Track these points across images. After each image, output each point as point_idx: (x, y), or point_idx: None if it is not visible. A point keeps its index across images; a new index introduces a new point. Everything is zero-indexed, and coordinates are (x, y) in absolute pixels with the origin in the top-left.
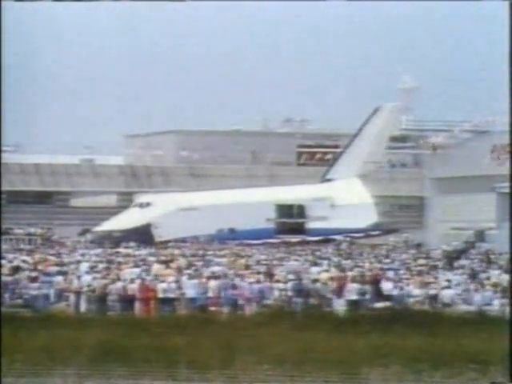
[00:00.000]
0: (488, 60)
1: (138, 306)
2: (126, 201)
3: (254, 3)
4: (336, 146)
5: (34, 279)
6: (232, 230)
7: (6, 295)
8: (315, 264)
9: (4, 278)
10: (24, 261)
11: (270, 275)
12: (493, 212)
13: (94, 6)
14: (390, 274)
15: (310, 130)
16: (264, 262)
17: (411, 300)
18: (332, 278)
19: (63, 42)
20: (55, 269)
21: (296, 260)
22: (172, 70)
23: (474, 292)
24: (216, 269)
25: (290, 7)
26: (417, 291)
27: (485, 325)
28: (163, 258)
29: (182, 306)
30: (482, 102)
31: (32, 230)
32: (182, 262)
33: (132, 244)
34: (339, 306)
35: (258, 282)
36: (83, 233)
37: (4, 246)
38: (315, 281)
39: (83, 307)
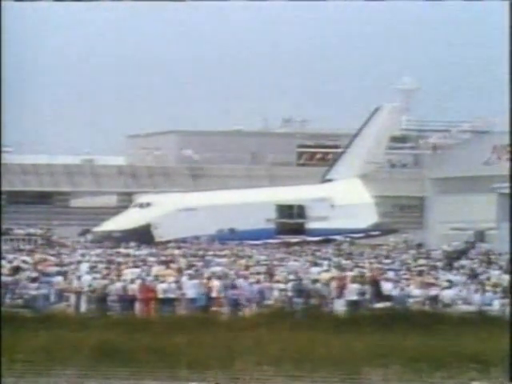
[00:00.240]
0: (488, 60)
1: (138, 306)
2: (126, 201)
3: (254, 3)
4: (336, 147)
5: (34, 279)
6: (232, 231)
7: (6, 295)
8: (315, 264)
9: (4, 278)
10: (24, 261)
11: (270, 275)
12: (493, 212)
13: (94, 6)
14: (390, 274)
15: (310, 130)
16: (264, 263)
17: (411, 300)
18: (332, 279)
19: (63, 41)
20: (55, 269)
21: (296, 260)
22: (172, 70)
23: (474, 292)
24: (216, 269)
25: (290, 7)
26: (417, 291)
27: (485, 325)
28: (163, 259)
29: (182, 306)
30: (482, 102)
31: (32, 230)
32: (182, 262)
33: (132, 244)
34: (339, 306)
35: (258, 282)
36: (83, 233)
37: (4, 247)
38: (315, 281)
39: (83, 307)
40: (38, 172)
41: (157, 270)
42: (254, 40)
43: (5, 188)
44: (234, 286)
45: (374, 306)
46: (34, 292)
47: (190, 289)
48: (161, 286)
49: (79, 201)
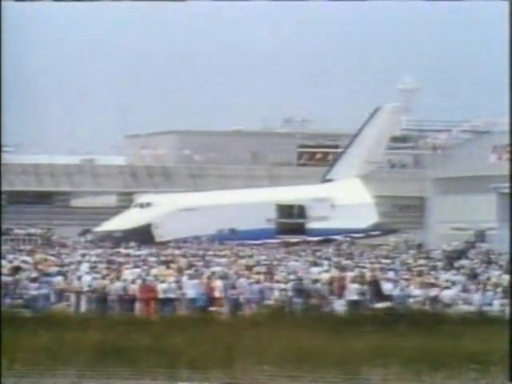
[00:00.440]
0: (488, 60)
1: (138, 306)
2: (126, 201)
3: (254, 3)
4: (336, 147)
5: (34, 279)
6: (232, 231)
7: (6, 295)
8: (315, 264)
9: (4, 278)
10: (24, 261)
11: (270, 275)
12: (493, 212)
13: (94, 6)
14: (391, 274)
15: (310, 130)
16: (264, 263)
17: (411, 300)
18: (332, 279)
19: (63, 41)
20: (55, 269)
21: (296, 260)
22: (172, 69)
23: (474, 292)
24: (216, 269)
25: (290, 7)
26: (417, 291)
27: (485, 325)
28: (163, 259)
29: (183, 306)
30: (482, 102)
31: (32, 230)
32: (182, 262)
33: (132, 244)
34: (339, 306)
35: (258, 282)
36: (83, 233)
37: (4, 247)
38: (315, 281)
39: (83, 307)
40: (38, 172)
41: (158, 270)
42: (255, 40)
43: (5, 188)
44: (233, 286)
45: (374, 306)
46: (34, 292)
47: (190, 289)
48: (161, 286)
49: (79, 201)
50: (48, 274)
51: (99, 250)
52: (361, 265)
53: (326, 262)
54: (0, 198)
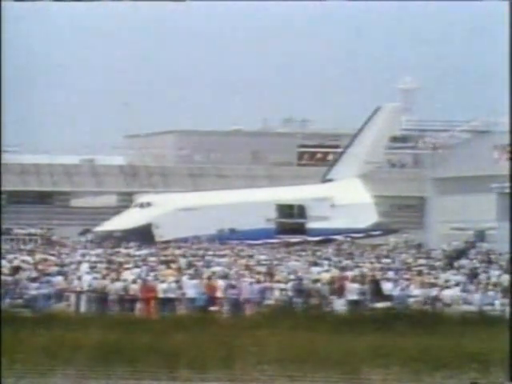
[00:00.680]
0: (488, 60)
1: (138, 306)
2: (126, 201)
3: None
4: (336, 146)
5: (34, 279)
6: (232, 230)
7: (6, 295)
8: (315, 264)
9: (4, 278)
10: (24, 261)
11: (270, 275)
12: (493, 212)
13: (94, 6)
14: (390, 274)
15: (310, 130)
16: (264, 262)
17: (411, 300)
18: (332, 278)
19: (63, 41)
20: (55, 269)
21: (296, 260)
22: (172, 69)
23: (474, 292)
24: (216, 269)
25: (290, 7)
26: (417, 291)
27: (485, 325)
28: (164, 259)
29: (183, 306)
30: (482, 102)
31: (32, 230)
32: (182, 262)
33: (132, 244)
34: (339, 306)
35: (259, 282)
36: (83, 233)
37: (4, 247)
38: (315, 281)
39: (83, 307)
40: (39, 172)
41: (160, 270)
42: (255, 40)
43: (5, 188)
44: (233, 286)
45: (374, 306)
46: (34, 292)
47: (190, 289)
48: (161, 286)
49: (79, 201)
50: (48, 274)
51: (99, 250)
52: (361, 265)
53: (326, 262)
54: (0, 197)
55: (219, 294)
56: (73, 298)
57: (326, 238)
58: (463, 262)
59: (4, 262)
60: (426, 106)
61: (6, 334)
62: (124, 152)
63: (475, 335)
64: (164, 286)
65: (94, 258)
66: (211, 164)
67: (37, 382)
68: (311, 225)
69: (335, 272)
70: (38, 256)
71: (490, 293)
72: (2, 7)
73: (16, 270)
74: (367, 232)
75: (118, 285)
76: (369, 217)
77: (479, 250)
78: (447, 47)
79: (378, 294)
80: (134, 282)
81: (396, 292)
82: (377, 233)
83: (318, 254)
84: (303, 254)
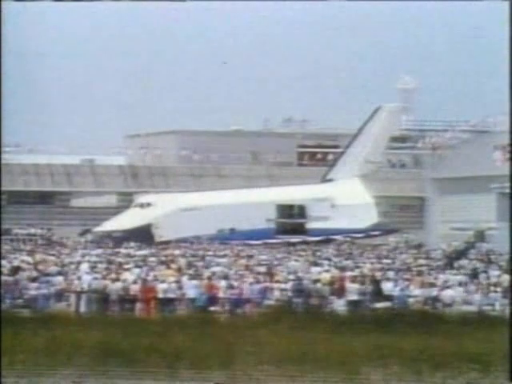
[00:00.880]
0: (488, 60)
1: (138, 306)
2: (126, 201)
3: (254, 3)
4: (336, 147)
5: (34, 279)
6: (232, 231)
7: (6, 295)
8: (315, 264)
9: (4, 278)
10: (24, 261)
11: (270, 275)
12: (493, 212)
13: (94, 6)
14: (390, 274)
15: (310, 130)
16: (264, 262)
17: (411, 300)
18: (332, 279)
19: (63, 41)
20: (55, 269)
21: (296, 260)
22: (172, 69)
23: (474, 292)
24: (216, 269)
25: (290, 7)
26: (417, 291)
27: (485, 325)
28: (164, 259)
29: (183, 306)
30: (482, 102)
31: (32, 230)
32: (182, 262)
33: (132, 244)
34: (339, 306)
35: (259, 282)
36: (84, 233)
37: (4, 247)
38: (315, 281)
39: (83, 307)
40: (39, 172)
41: (159, 270)
42: (255, 39)
43: (5, 188)
44: (233, 286)
45: (374, 306)
46: (33, 292)
47: (190, 289)
48: (161, 286)
49: (79, 201)
50: (48, 274)
51: (99, 250)
52: (361, 265)
53: (326, 262)
54: (0, 198)
55: (219, 294)
56: (73, 298)
57: (326, 238)
58: (463, 262)
59: (4, 262)
60: (426, 106)
61: (6, 334)
62: (124, 152)
63: (475, 335)
64: (164, 286)
65: (94, 258)
66: (211, 164)
67: (37, 381)
68: (311, 225)
69: (335, 272)
70: (38, 256)
71: (490, 293)
72: (1, 7)
73: (16, 270)
74: (367, 232)
75: (118, 285)
76: (369, 217)
77: (479, 250)
78: (447, 47)
79: (378, 294)
80: (134, 282)
81: (396, 292)
82: (377, 233)
83: (318, 254)
84: (303, 254)
